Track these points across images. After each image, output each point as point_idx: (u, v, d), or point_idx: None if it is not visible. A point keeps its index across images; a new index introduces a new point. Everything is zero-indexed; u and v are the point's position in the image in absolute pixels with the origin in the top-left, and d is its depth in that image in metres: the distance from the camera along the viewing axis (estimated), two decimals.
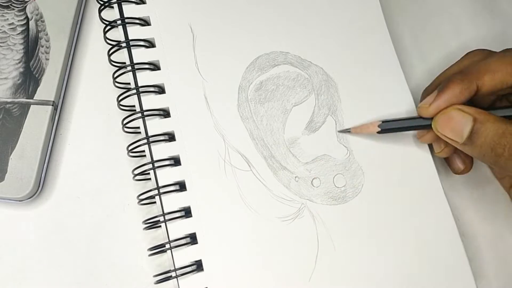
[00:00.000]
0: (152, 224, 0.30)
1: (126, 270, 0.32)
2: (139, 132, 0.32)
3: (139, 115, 0.31)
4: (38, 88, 0.33)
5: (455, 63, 0.33)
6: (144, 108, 0.31)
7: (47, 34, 0.34)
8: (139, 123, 0.31)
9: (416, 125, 0.31)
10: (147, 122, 0.31)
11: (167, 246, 0.29)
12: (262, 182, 0.31)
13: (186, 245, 0.29)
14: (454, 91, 0.29)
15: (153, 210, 0.32)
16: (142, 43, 0.32)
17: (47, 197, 0.33)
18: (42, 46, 0.34)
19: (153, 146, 0.31)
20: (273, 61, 0.34)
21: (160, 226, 0.31)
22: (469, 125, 0.28)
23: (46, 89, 0.33)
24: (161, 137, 0.31)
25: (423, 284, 0.31)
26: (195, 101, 0.32)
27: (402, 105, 0.35)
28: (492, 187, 0.36)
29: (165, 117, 0.31)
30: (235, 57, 0.33)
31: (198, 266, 0.29)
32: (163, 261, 0.32)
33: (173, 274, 0.29)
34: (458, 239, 0.32)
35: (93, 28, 0.37)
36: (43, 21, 0.34)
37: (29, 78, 0.33)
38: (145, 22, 0.33)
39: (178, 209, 0.30)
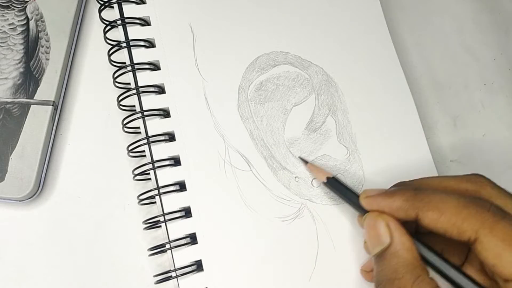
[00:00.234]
0: (152, 224, 0.30)
1: (126, 270, 0.32)
2: (139, 132, 0.32)
3: (139, 115, 0.31)
4: (38, 88, 0.33)
5: (438, 179, 0.27)
6: (144, 108, 0.31)
7: (47, 34, 0.34)
8: (139, 123, 0.31)
9: (354, 204, 0.28)
10: (147, 122, 0.31)
11: (167, 246, 0.29)
12: (262, 182, 0.31)
13: (186, 245, 0.29)
14: (392, 203, 0.25)
15: (153, 210, 0.32)
16: (142, 43, 0.32)
17: (47, 197, 0.33)
18: (42, 46, 0.34)
19: (153, 146, 0.31)
20: (273, 61, 0.34)
21: (160, 226, 0.31)
22: (382, 246, 0.25)
23: (46, 89, 0.33)
24: (161, 137, 0.31)
25: None
26: (195, 101, 0.32)
27: (402, 105, 0.35)
28: None
29: (165, 117, 0.31)
30: (235, 57, 0.33)
31: (198, 266, 0.29)
32: (163, 261, 0.32)
33: (173, 274, 0.29)
34: None
35: (93, 28, 0.37)
36: (43, 21, 0.34)
37: (29, 78, 0.33)
38: (145, 22, 0.33)
39: (178, 209, 0.30)
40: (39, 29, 0.34)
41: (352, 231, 0.31)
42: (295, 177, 0.32)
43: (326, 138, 0.33)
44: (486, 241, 0.22)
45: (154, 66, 0.32)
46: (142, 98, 0.31)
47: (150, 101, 0.31)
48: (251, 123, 0.32)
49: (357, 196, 0.28)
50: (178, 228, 0.29)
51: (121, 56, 0.32)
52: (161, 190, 0.30)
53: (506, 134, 0.38)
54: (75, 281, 0.31)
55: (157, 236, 0.32)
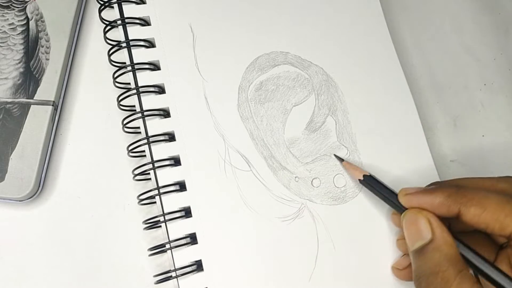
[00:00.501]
0: (152, 224, 0.30)
1: (126, 270, 0.32)
2: (139, 132, 0.32)
3: (139, 115, 0.31)
4: (38, 88, 0.33)
5: (480, 180, 0.28)
6: (144, 108, 0.31)
7: (47, 34, 0.34)
8: (139, 123, 0.31)
9: (391, 202, 0.29)
10: (147, 122, 0.31)
11: (167, 246, 0.29)
12: (262, 182, 0.31)
13: (186, 245, 0.29)
14: (434, 200, 0.26)
15: (153, 210, 0.32)
16: (142, 43, 0.32)
17: (47, 197, 0.33)
18: (42, 46, 0.34)
19: (153, 146, 0.31)
20: (273, 61, 0.34)
21: (160, 226, 0.31)
22: (424, 241, 0.25)
23: (46, 89, 0.33)
24: (161, 137, 0.31)
25: None
26: (195, 101, 0.32)
27: (402, 105, 0.35)
28: None
29: (165, 117, 0.31)
30: (235, 57, 0.33)
31: (198, 266, 0.29)
32: (163, 261, 0.32)
33: (173, 274, 0.29)
34: None
35: (93, 28, 0.37)
36: (43, 21, 0.34)
37: (29, 78, 0.33)
38: (145, 22, 0.33)
39: (178, 209, 0.30)
40: (39, 29, 0.34)
41: (352, 231, 0.31)
42: (295, 177, 0.32)
43: (326, 138, 0.33)
44: None
45: (154, 66, 0.32)
46: (142, 98, 0.31)
47: (150, 101, 0.31)
48: (251, 123, 0.32)
49: (394, 194, 0.29)
50: (178, 228, 0.29)
51: (121, 56, 0.32)
52: (161, 190, 0.30)
53: (506, 134, 0.38)
54: (75, 281, 0.31)
55: (157, 236, 0.32)
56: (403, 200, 0.28)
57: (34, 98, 0.33)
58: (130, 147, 0.31)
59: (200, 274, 0.29)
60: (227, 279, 0.29)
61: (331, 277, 0.30)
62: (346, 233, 0.31)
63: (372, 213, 0.32)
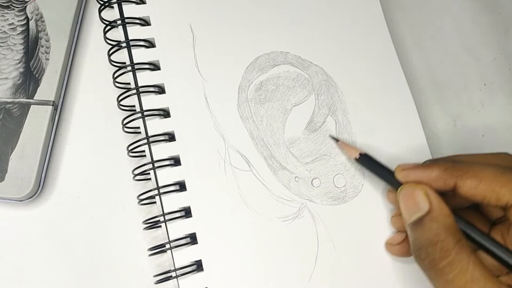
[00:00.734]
0: (152, 224, 0.30)
1: (126, 270, 0.32)
2: (139, 132, 0.32)
3: (139, 115, 0.31)
4: (38, 88, 0.33)
5: (474, 155, 0.28)
6: (144, 108, 0.31)
7: (47, 34, 0.34)
8: (139, 123, 0.31)
9: (388, 179, 0.29)
10: (147, 122, 0.31)
11: (167, 246, 0.29)
12: (262, 182, 0.31)
13: (186, 245, 0.29)
14: (430, 173, 0.27)
15: (153, 210, 0.32)
16: (142, 43, 0.32)
17: (47, 197, 0.33)
18: (42, 46, 0.34)
19: (153, 146, 0.31)
20: (273, 61, 0.34)
21: (160, 226, 0.31)
22: (421, 212, 0.25)
23: (46, 89, 0.33)
24: (161, 137, 0.31)
25: (423, 284, 0.31)
26: (195, 101, 0.32)
27: (402, 105, 0.35)
28: None
29: (165, 117, 0.31)
30: (235, 57, 0.33)
31: (198, 266, 0.29)
32: (163, 261, 0.32)
33: (173, 274, 0.29)
34: None
35: (93, 28, 0.37)
36: (43, 21, 0.34)
37: (29, 78, 0.33)
38: (145, 22, 0.33)
39: (178, 209, 0.30)
40: (39, 29, 0.34)
41: (352, 231, 0.31)
42: (295, 177, 0.32)
43: (326, 138, 0.33)
44: None
45: (154, 66, 0.32)
46: (142, 98, 0.31)
47: (150, 101, 0.31)
48: (251, 123, 0.32)
49: (390, 171, 0.29)
50: (178, 228, 0.29)
51: (121, 56, 0.32)
52: (161, 190, 0.30)
53: (506, 134, 0.38)
54: (75, 281, 0.31)
55: (157, 236, 0.32)
56: (400, 176, 0.28)
57: (34, 98, 0.33)
58: (130, 147, 0.31)
59: (200, 274, 0.29)
60: (227, 279, 0.29)
61: (331, 277, 0.30)
62: (346, 233, 0.31)
63: (372, 213, 0.32)
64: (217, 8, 0.34)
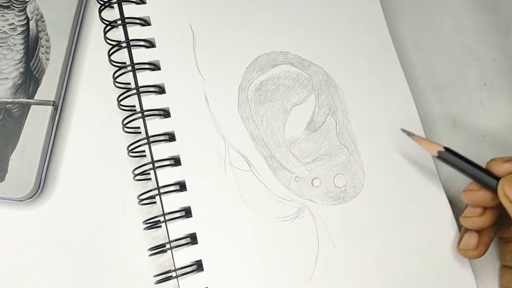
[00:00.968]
0: (152, 224, 0.30)
1: (126, 270, 0.32)
2: (139, 132, 0.32)
3: (139, 115, 0.31)
4: (39, 88, 0.33)
5: None
6: (144, 108, 0.31)
7: (47, 34, 0.34)
8: (139, 123, 0.31)
9: (478, 176, 0.28)
10: (147, 122, 0.31)
11: (167, 246, 0.29)
12: (262, 182, 0.31)
13: (186, 245, 0.29)
14: None
15: (153, 210, 0.32)
16: (142, 43, 0.32)
17: (47, 197, 0.33)
18: (43, 46, 0.34)
19: (153, 146, 0.31)
20: (273, 61, 0.34)
21: (160, 226, 0.31)
22: None
23: (47, 89, 0.33)
24: (161, 137, 0.31)
25: (423, 283, 0.31)
26: (195, 101, 0.32)
27: (402, 106, 0.35)
28: None
29: (165, 117, 0.31)
30: (235, 57, 0.33)
31: (198, 266, 0.29)
32: (163, 261, 0.32)
33: (173, 274, 0.29)
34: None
35: (93, 28, 0.37)
36: (43, 21, 0.34)
37: (29, 78, 0.33)
38: (145, 22, 0.33)
39: (178, 209, 0.30)
40: (39, 29, 0.34)
41: (352, 231, 0.31)
42: (296, 177, 0.32)
43: (326, 138, 0.33)
44: None
45: (154, 66, 0.32)
46: (142, 98, 0.31)
47: (150, 101, 0.31)
48: (251, 123, 0.32)
49: (477, 166, 0.28)
50: (178, 228, 0.29)
51: (121, 56, 0.32)
52: (161, 190, 0.30)
53: (506, 134, 0.38)
54: (75, 281, 0.31)
55: (157, 236, 0.32)
56: (503, 168, 0.26)
57: (34, 98, 0.33)
58: (130, 147, 0.31)
59: (200, 274, 0.29)
60: (227, 279, 0.29)
61: (331, 277, 0.30)
62: (346, 233, 0.31)
63: (372, 213, 0.32)
64: (217, 8, 0.34)
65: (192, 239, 0.30)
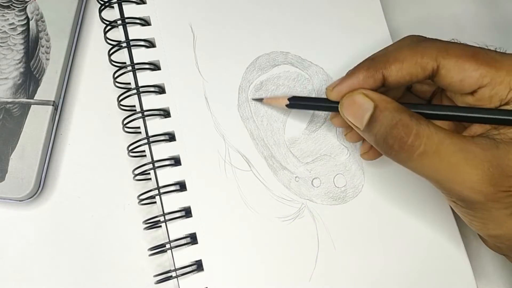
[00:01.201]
0: (152, 224, 0.30)
1: (126, 270, 0.32)
2: (139, 132, 0.32)
3: (140, 115, 0.31)
4: (39, 88, 0.33)
5: (384, 48, 0.29)
6: (145, 108, 0.31)
7: (47, 34, 0.34)
8: (139, 123, 0.31)
9: (324, 105, 0.29)
10: (147, 122, 0.31)
11: (167, 246, 0.29)
12: (262, 182, 0.31)
13: (186, 245, 0.29)
14: (357, 78, 0.27)
15: (153, 210, 0.32)
16: (142, 43, 0.32)
17: (47, 197, 0.33)
18: (43, 46, 0.34)
19: (153, 146, 0.31)
20: (273, 61, 0.34)
21: (160, 226, 0.31)
22: (369, 111, 0.26)
23: (47, 89, 0.33)
24: (162, 137, 0.31)
25: (424, 284, 0.31)
26: (195, 101, 0.32)
27: None
28: None
29: (166, 117, 0.31)
30: (235, 57, 0.33)
31: (198, 266, 0.29)
32: (163, 261, 0.32)
33: (173, 274, 0.29)
34: (459, 239, 0.32)
35: (93, 28, 0.37)
36: (43, 21, 0.34)
37: (30, 78, 0.33)
38: (145, 22, 0.33)
39: (178, 209, 0.30)
40: (40, 29, 0.34)
41: (352, 231, 0.31)
42: (296, 177, 0.32)
43: (326, 138, 0.33)
44: (447, 62, 0.25)
45: (154, 66, 0.32)
46: (142, 98, 0.31)
47: (150, 101, 0.31)
48: (252, 123, 0.32)
49: (324, 98, 0.29)
50: (178, 228, 0.29)
51: (121, 56, 0.32)
52: (161, 190, 0.30)
53: None
54: (75, 281, 0.31)
55: (157, 236, 0.32)
56: (333, 95, 0.28)
57: (34, 98, 0.33)
58: (130, 147, 0.31)
59: (200, 274, 0.29)
60: (227, 279, 0.29)
61: (331, 277, 0.30)
62: (346, 233, 0.31)
63: (372, 213, 0.32)
64: (217, 8, 0.34)
65: (192, 239, 0.30)
